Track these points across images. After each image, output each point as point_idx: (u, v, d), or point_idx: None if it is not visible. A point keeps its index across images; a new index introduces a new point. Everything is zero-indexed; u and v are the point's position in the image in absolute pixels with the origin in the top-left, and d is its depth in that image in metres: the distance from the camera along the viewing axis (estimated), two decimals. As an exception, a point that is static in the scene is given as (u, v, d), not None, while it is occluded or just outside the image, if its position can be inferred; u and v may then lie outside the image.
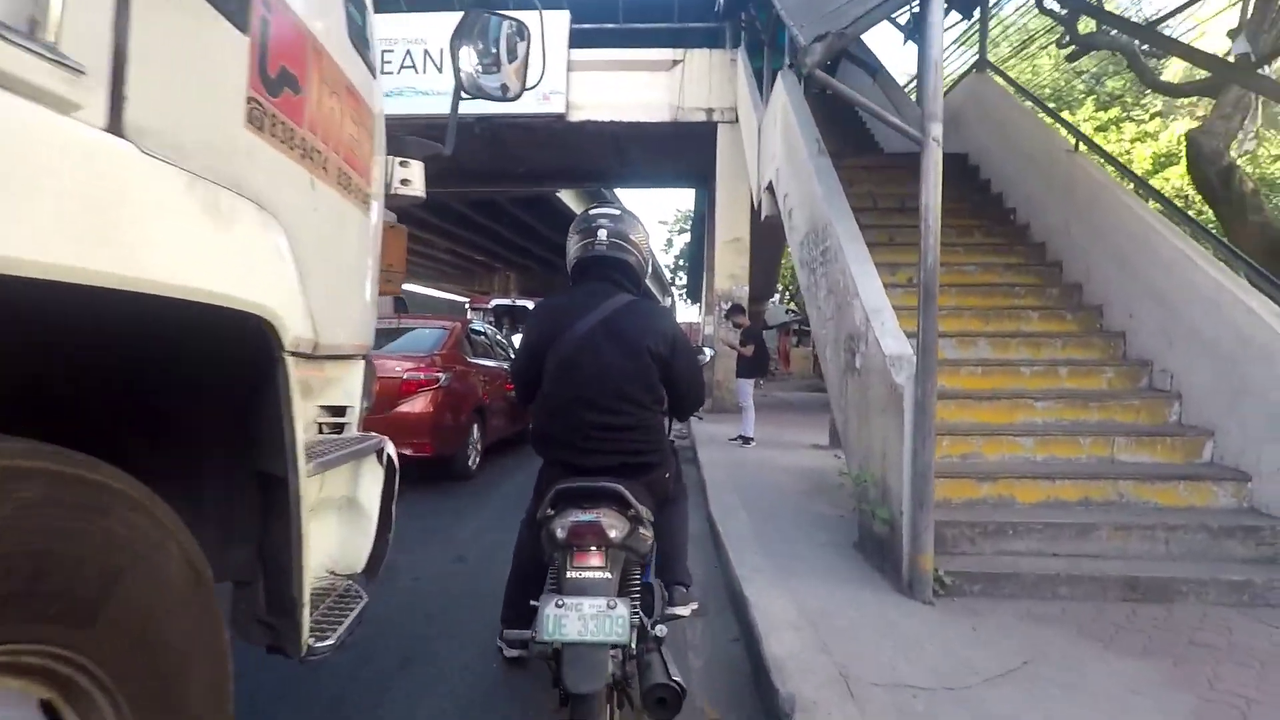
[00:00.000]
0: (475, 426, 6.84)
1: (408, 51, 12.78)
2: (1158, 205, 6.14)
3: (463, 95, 2.33)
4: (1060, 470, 4.08)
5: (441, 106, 12.01)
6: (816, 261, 5.46)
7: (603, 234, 2.31)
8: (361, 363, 1.94)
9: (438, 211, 30.34)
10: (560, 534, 1.92)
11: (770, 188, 7.92)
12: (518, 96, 2.42)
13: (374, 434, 1.94)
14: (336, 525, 1.79)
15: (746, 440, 8.49)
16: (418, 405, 5.94)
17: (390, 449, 1.94)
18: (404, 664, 2.88)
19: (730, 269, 12.73)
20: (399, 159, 2.23)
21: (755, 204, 9.26)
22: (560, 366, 2.21)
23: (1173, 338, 4.53)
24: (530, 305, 13.56)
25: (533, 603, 1.87)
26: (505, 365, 7.85)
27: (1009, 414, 4.48)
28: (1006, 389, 4.68)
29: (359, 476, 1.82)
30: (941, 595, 3.40)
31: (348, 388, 1.85)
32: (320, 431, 1.77)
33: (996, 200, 6.76)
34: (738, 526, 4.66)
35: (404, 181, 2.24)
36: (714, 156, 12.96)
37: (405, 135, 2.31)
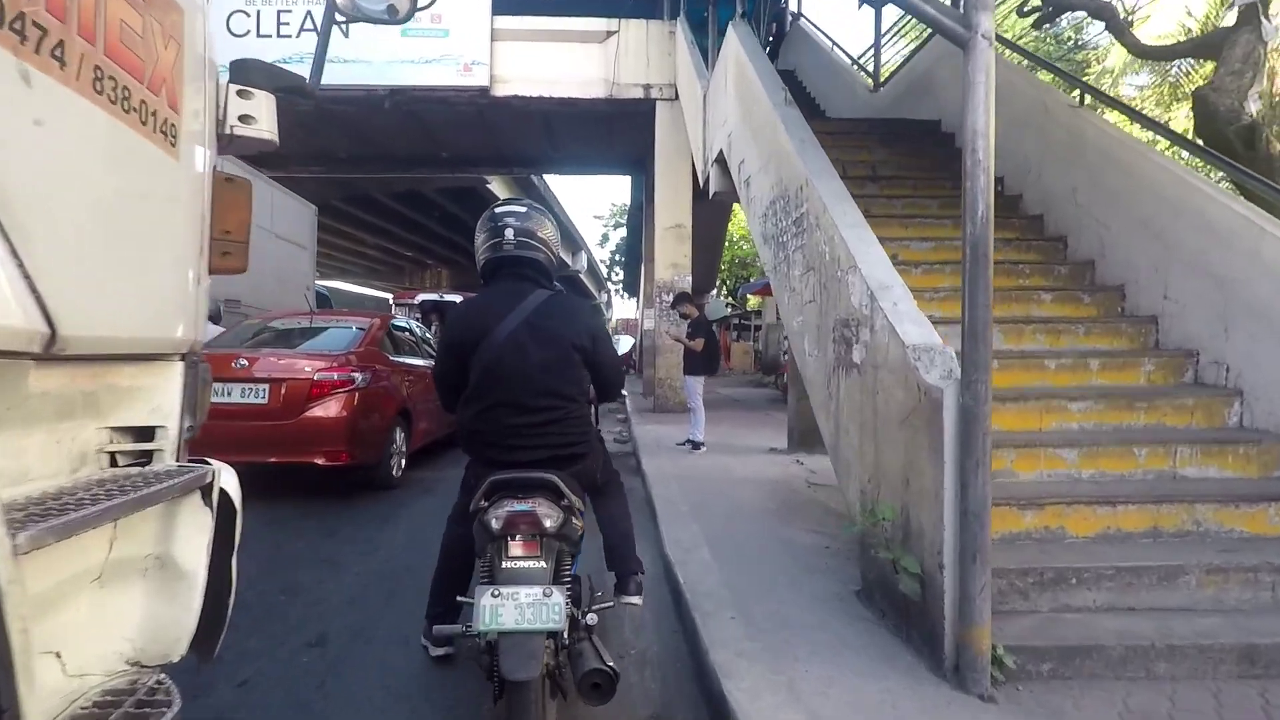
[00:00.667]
0: (399, 431, 6.08)
1: (308, 12, 11.21)
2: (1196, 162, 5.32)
3: (339, 20, 1.97)
4: (1116, 491, 3.12)
5: (361, 76, 10.35)
6: (787, 234, 4.42)
7: (509, 233, 2.25)
8: (180, 366, 1.55)
9: (364, 205, 28.57)
10: (495, 524, 1.92)
11: (720, 159, 6.87)
12: (407, 18, 2.05)
13: (202, 462, 1.52)
14: (141, 596, 1.42)
15: (696, 445, 7.43)
16: (331, 409, 5.25)
17: (228, 480, 1.55)
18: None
19: (672, 257, 11.67)
20: (237, 87, 1.74)
21: (701, 183, 8.21)
22: (487, 371, 2.18)
23: (1229, 322, 3.66)
24: (459, 300, 12.23)
25: (460, 598, 2.03)
26: (432, 364, 6.85)
27: (1039, 418, 3.51)
28: (1032, 387, 3.72)
29: (173, 525, 1.45)
30: (1003, 683, 2.39)
31: (157, 402, 1.50)
32: (114, 463, 1.42)
33: (979, 169, 5.87)
34: (702, 574, 3.53)
35: (245, 118, 1.73)
36: (652, 138, 11.85)
37: (251, 62, 1.78)
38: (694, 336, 7.72)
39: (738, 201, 7.11)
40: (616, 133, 13.95)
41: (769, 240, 4.91)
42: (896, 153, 5.72)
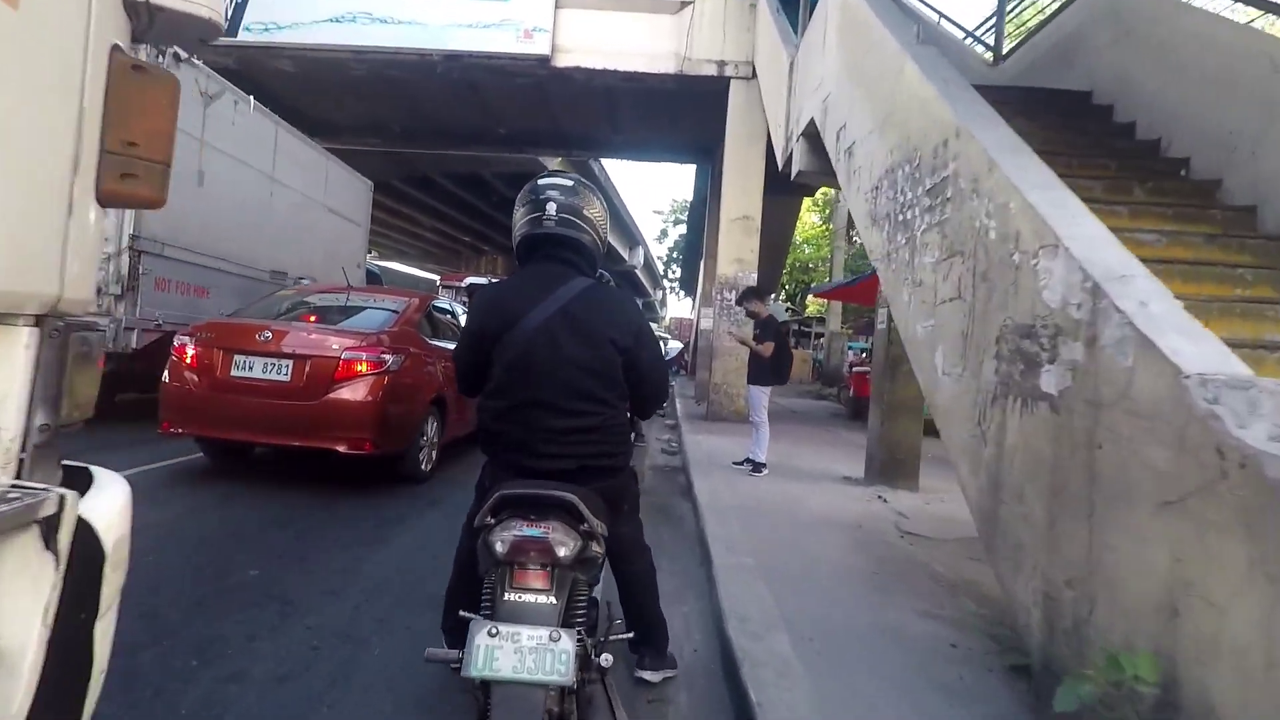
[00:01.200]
0: (432, 420, 5.62)
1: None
2: None
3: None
4: None
5: (415, 39, 9.48)
6: (912, 209, 3.28)
7: (551, 208, 1.94)
8: (27, 334, 1.07)
9: (422, 186, 28.21)
10: (500, 548, 1.61)
11: (810, 130, 5.72)
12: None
13: (43, 488, 1.04)
14: None
15: (757, 467, 6.30)
16: (358, 392, 4.85)
17: (98, 506, 1.12)
18: None
19: (736, 252, 10.53)
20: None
21: (781, 164, 7.06)
22: (513, 364, 1.88)
23: None
24: (501, 284, 11.30)
25: (463, 614, 1.62)
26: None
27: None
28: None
29: None
30: None
31: None
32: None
33: (1152, 148, 4.58)
34: (782, 684, 2.39)
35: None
36: (722, 123, 10.74)
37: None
38: (762, 339, 6.54)
39: (827, 182, 5.97)
40: (683, 116, 12.87)
41: (880, 221, 3.77)
42: (1042, 125, 4.48)
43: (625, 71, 10.64)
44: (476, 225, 32.07)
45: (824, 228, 25.73)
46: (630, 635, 2.12)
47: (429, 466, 5.61)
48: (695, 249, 31.33)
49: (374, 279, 12.58)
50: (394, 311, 5.68)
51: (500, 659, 1.46)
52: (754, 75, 10.31)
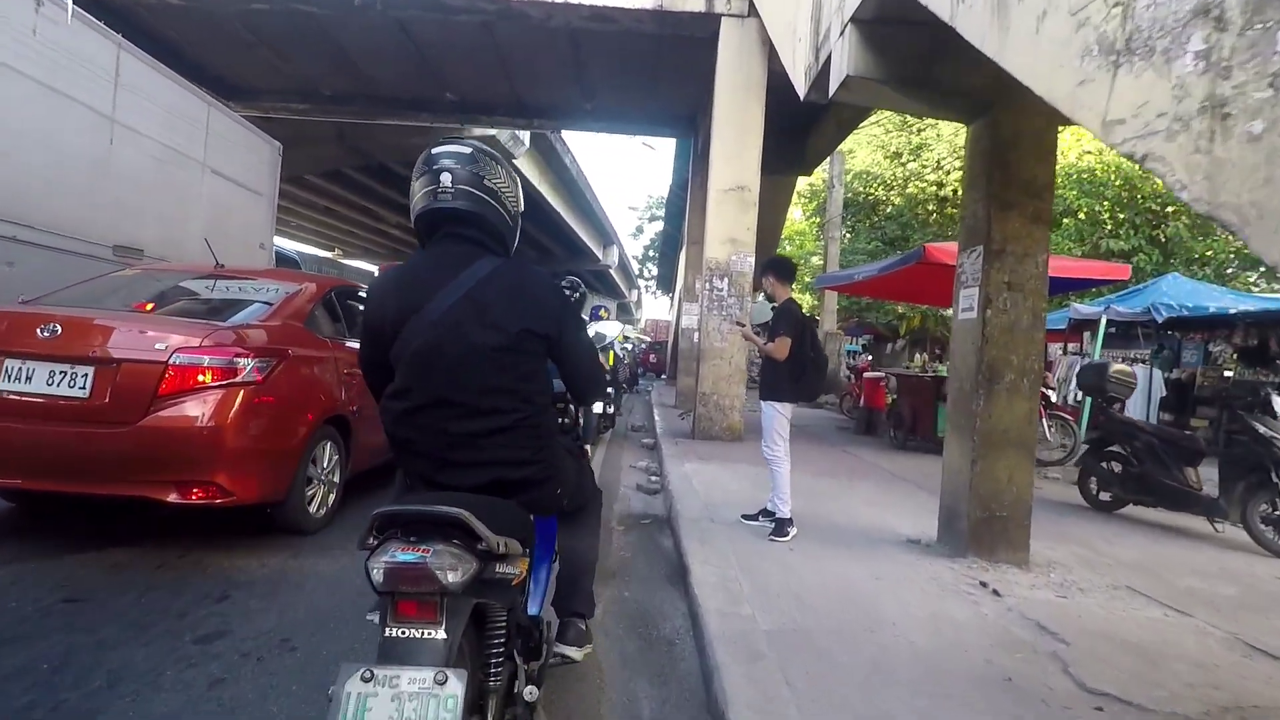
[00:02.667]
0: (329, 448, 4.12)
1: None
2: None
3: None
4: None
5: None
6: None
7: (446, 178, 1.65)
8: None
9: (382, 178, 25.84)
10: (377, 576, 1.32)
11: (870, 10, 3.62)
12: None
13: None
14: None
15: (781, 525, 4.21)
16: (195, 412, 3.29)
17: None
18: None
19: (729, 230, 8.43)
20: None
21: (807, 87, 4.93)
22: (413, 359, 1.62)
23: None
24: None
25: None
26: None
27: None
28: None
29: None
30: None
31: None
32: None
33: None
34: None
35: None
36: (708, 82, 8.70)
37: None
38: (774, 334, 4.44)
39: (887, 95, 3.91)
40: (664, 75, 10.77)
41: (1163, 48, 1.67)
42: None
43: (592, 6, 8.49)
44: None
45: (812, 222, 23.78)
46: (573, 657, 1.98)
47: (325, 510, 4.03)
48: (673, 242, 29.11)
49: (288, 265, 10.22)
50: (268, 301, 4.04)
51: (374, 709, 1.22)
52: (750, 11, 8.23)
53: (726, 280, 8.36)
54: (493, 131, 20.76)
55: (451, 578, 1.33)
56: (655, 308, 55.99)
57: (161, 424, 3.21)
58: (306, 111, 12.77)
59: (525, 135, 22.37)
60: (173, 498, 3.24)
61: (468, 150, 1.72)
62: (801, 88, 5.06)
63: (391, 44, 10.21)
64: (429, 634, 1.33)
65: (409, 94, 12.15)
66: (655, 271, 42.99)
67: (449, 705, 1.23)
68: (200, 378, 3.29)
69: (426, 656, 1.31)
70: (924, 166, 18.04)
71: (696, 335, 12.50)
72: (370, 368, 1.78)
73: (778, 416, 4.37)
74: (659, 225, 42.82)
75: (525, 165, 25.40)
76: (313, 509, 3.93)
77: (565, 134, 27.14)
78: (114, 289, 4.16)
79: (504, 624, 1.58)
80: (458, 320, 1.60)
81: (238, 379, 3.37)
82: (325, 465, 4.05)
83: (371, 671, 1.25)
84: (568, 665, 2.08)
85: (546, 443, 1.76)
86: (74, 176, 5.38)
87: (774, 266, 4.63)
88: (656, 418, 10.89)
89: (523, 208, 1.88)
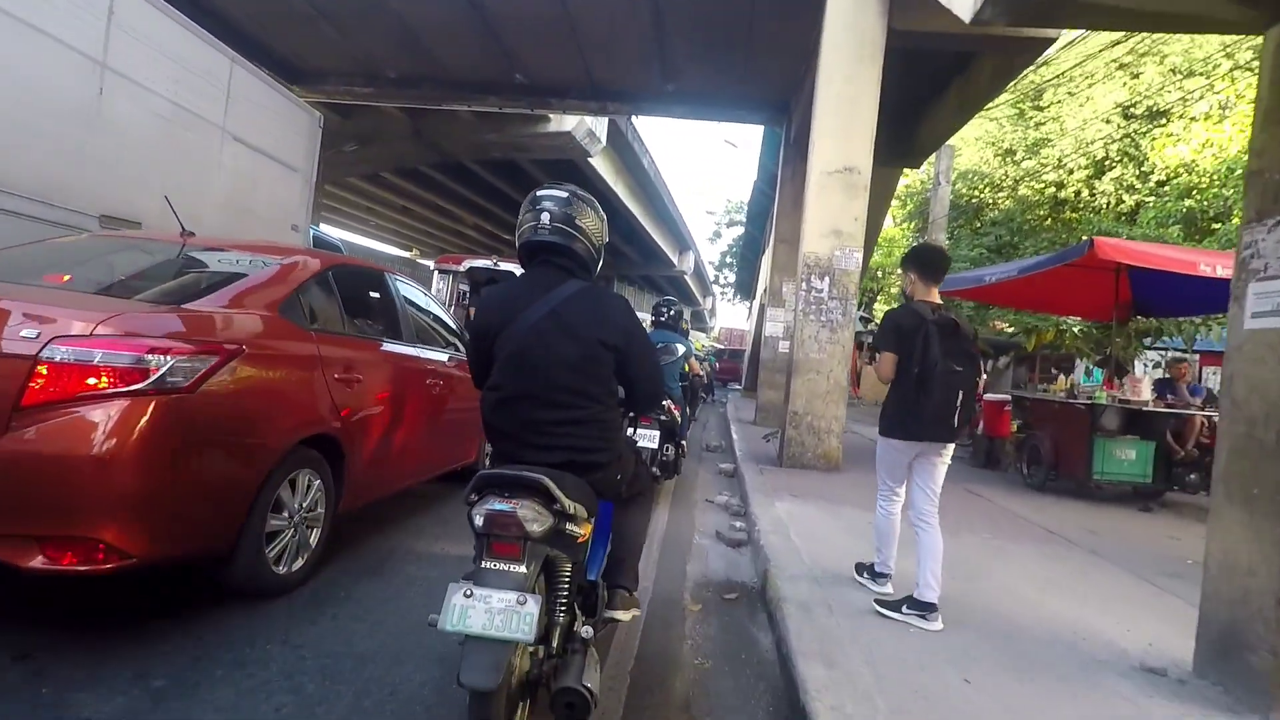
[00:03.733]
0: (309, 480, 3.02)
1: None
2: None
3: None
4: None
5: None
6: None
7: (546, 218, 2.06)
8: None
9: (458, 176, 25.45)
10: (478, 521, 1.76)
11: None
12: None
13: None
14: None
15: (922, 608, 2.84)
16: (73, 431, 2.21)
17: None
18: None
19: (833, 219, 6.98)
20: None
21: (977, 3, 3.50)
22: (508, 360, 2.01)
23: None
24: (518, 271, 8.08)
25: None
26: (445, 354, 4.47)
27: None
28: None
29: None
30: None
31: None
32: None
33: None
34: None
35: None
36: (809, 50, 7.34)
37: None
38: (878, 347, 3.32)
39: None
40: (757, 49, 9.43)
41: None
42: None
43: (679, -40, 7.25)
44: (516, 219, 29.18)
45: (903, 227, 21.81)
46: (621, 618, 2.19)
47: (302, 562, 2.99)
48: (754, 245, 27.41)
49: (328, 249, 9.32)
50: (237, 277, 2.99)
51: (471, 616, 1.60)
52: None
53: (828, 280, 6.93)
54: (568, 128, 19.92)
55: (533, 526, 1.72)
56: (730, 315, 54.34)
57: (20, 450, 2.13)
58: (371, 95, 12.07)
59: (602, 131, 21.42)
60: (36, 563, 2.15)
61: (564, 194, 2.11)
62: (967, 6, 3.64)
63: (458, 17, 9.27)
64: (513, 568, 1.70)
65: (477, 76, 11.24)
66: (732, 278, 41.42)
67: (527, 620, 1.59)
68: (90, 381, 2.22)
69: (512, 583, 1.66)
70: (1042, 164, 15.97)
71: (785, 344, 11.06)
72: (473, 363, 2.19)
73: (883, 456, 3.20)
74: (737, 231, 41.26)
75: (601, 164, 24.41)
76: (280, 564, 2.86)
77: (642, 131, 26.08)
78: (41, 258, 3.16)
79: (568, 576, 1.92)
80: (543, 331, 1.97)
81: (148, 384, 2.27)
82: (299, 503, 2.95)
83: (471, 590, 1.62)
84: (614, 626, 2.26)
85: (611, 435, 2.09)
86: (49, 129, 4.44)
87: (915, 258, 3.31)
88: (734, 435, 9.51)
89: (606, 240, 2.22)
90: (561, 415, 1.97)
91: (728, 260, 40.15)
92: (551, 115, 19.44)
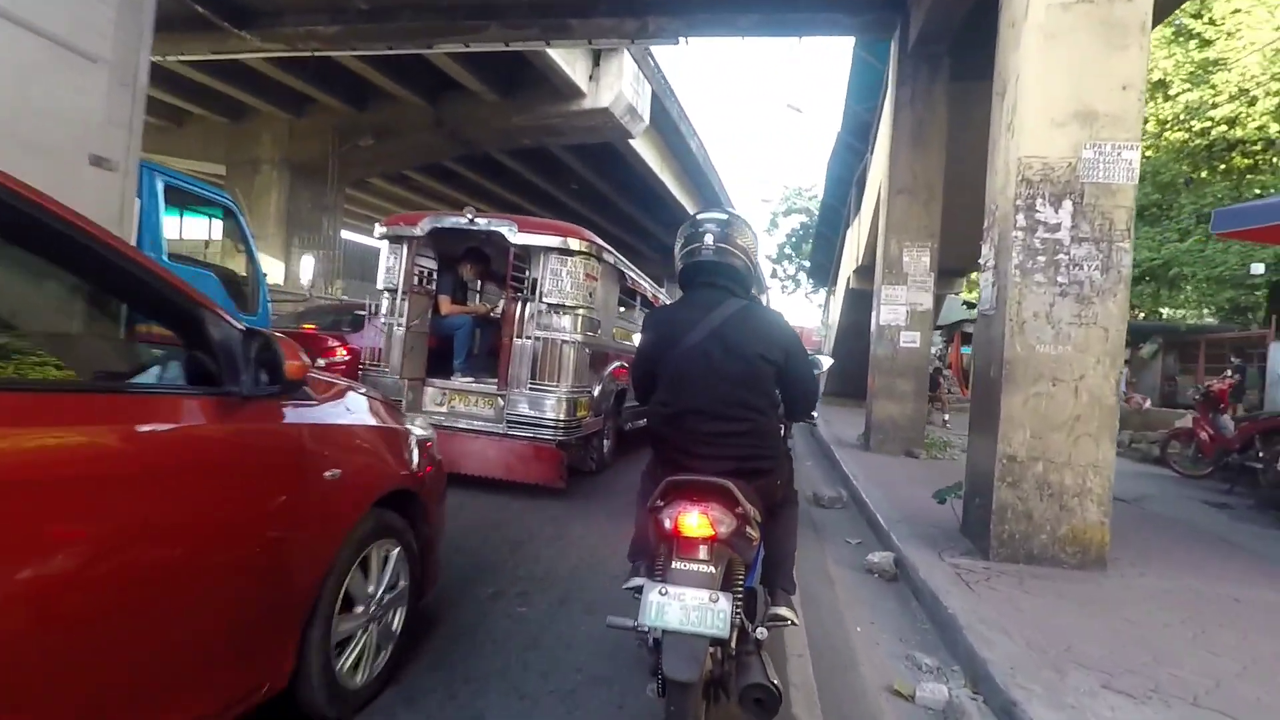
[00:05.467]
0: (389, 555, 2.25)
1: None
2: None
3: None
4: None
5: None
6: None
7: (709, 239, 2.13)
8: None
9: (488, 171, 22.72)
10: (668, 524, 1.84)
11: None
12: None
13: None
14: None
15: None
16: None
17: None
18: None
19: (1078, 92, 3.58)
20: None
21: None
22: (675, 378, 2.11)
23: None
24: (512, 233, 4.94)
25: (627, 586, 2.12)
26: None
27: None
28: None
29: None
30: None
31: None
32: None
33: None
34: None
35: None
36: None
37: None
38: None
39: None
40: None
41: None
42: None
43: None
44: (555, 217, 26.35)
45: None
46: (786, 616, 2.12)
47: (386, 660, 2.24)
48: (833, 219, 23.46)
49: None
50: None
51: (669, 613, 1.68)
52: None
53: (1069, 206, 3.59)
54: (605, 104, 16.86)
55: (721, 529, 1.80)
56: (789, 308, 50.26)
57: None
58: (338, 39, 9.22)
59: (645, 107, 18.30)
60: None
61: (725, 216, 2.18)
62: None
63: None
64: (702, 568, 1.76)
65: (464, -4, 8.19)
66: (789, 271, 37.67)
67: (720, 616, 1.66)
68: None
69: (702, 582, 1.73)
70: (1213, 92, 12.10)
71: (910, 336, 7.66)
72: (640, 380, 2.28)
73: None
74: (795, 219, 37.47)
75: (644, 147, 21.28)
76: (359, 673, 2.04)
77: (688, 110, 22.82)
78: None
79: (742, 578, 1.95)
80: (707, 350, 2.05)
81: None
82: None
83: (666, 589, 1.71)
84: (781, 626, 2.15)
85: (774, 442, 2.15)
86: None
87: None
88: (849, 471, 6.18)
89: (761, 257, 3.85)
90: (728, 427, 2.03)
91: (786, 251, 36.51)
92: (584, 88, 16.52)
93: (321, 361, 6.47)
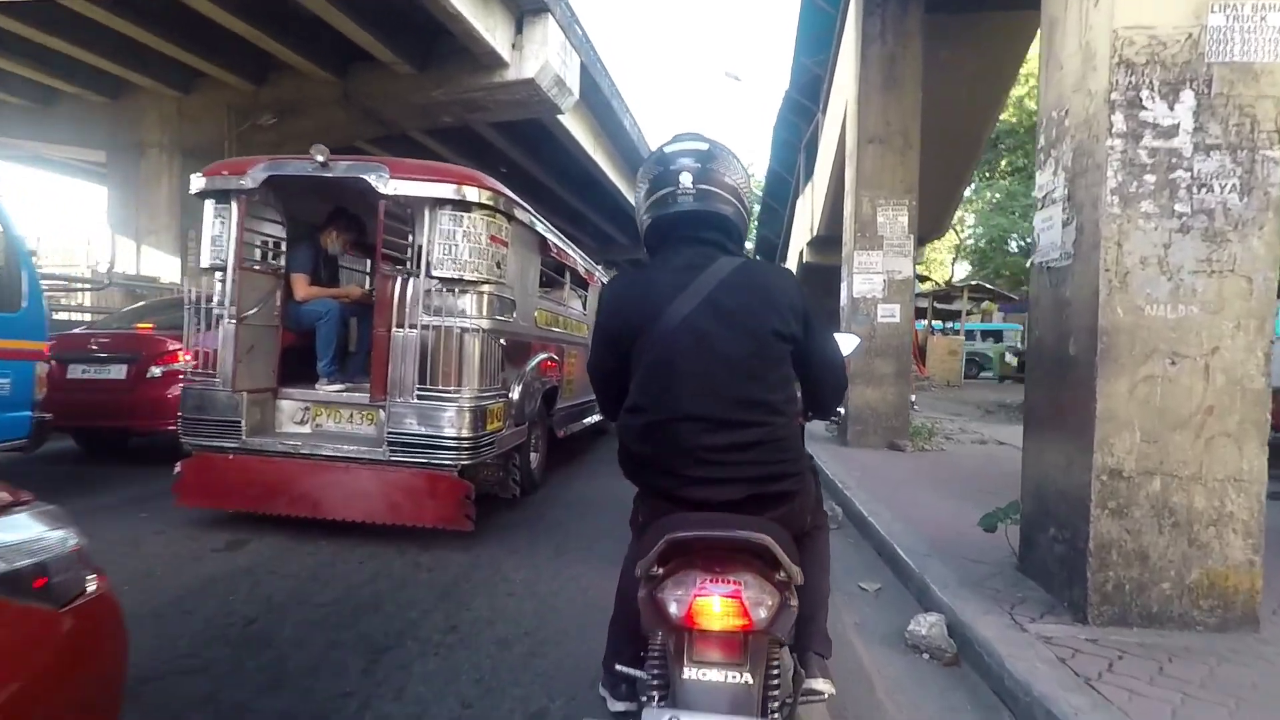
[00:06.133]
0: None
1: None
2: None
3: None
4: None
5: None
6: None
7: (686, 179, 1.48)
8: None
9: (409, 154, 20.96)
10: (675, 610, 1.20)
11: None
12: None
13: None
14: None
15: None
16: None
17: None
18: None
19: None
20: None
21: None
22: (654, 371, 1.43)
23: None
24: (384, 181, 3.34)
25: (626, 669, 1.41)
26: None
27: None
28: None
29: None
30: None
31: None
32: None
33: None
34: None
35: None
36: None
37: None
38: None
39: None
40: None
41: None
42: None
43: None
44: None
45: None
46: (822, 691, 1.58)
47: None
48: (780, 190, 22.08)
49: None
50: None
51: None
52: None
53: (1190, 96, 2.39)
54: (530, 74, 15.37)
55: (761, 613, 1.19)
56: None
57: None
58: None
59: (573, 79, 16.84)
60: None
61: (705, 146, 1.51)
62: None
63: None
64: (734, 677, 1.19)
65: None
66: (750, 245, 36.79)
67: None
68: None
69: (736, 704, 1.16)
70: None
71: (890, 310, 6.52)
72: (602, 382, 1.64)
73: None
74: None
75: (575, 124, 19.80)
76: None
77: (621, 89, 21.36)
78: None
79: (779, 665, 1.31)
80: (700, 327, 1.40)
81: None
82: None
83: (678, 717, 1.11)
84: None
85: (797, 454, 1.51)
86: None
87: None
88: (835, 477, 4.94)
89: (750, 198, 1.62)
90: (735, 438, 1.39)
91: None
92: (507, 58, 15.03)
93: (157, 370, 4.90)
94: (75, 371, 5.03)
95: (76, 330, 6.03)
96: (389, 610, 2.76)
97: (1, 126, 17.31)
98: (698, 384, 1.40)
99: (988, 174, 18.30)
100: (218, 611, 2.66)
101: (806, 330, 1.50)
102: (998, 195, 22.23)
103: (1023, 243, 21.73)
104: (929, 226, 13.01)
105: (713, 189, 1.49)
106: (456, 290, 3.57)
